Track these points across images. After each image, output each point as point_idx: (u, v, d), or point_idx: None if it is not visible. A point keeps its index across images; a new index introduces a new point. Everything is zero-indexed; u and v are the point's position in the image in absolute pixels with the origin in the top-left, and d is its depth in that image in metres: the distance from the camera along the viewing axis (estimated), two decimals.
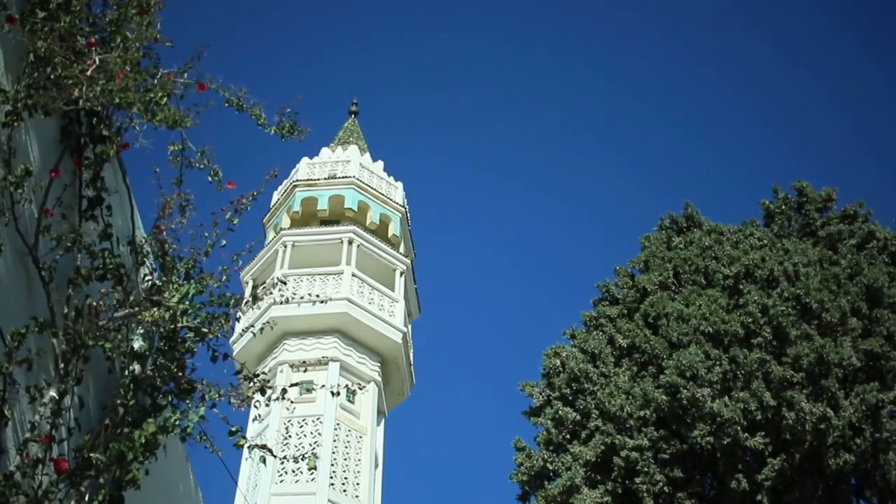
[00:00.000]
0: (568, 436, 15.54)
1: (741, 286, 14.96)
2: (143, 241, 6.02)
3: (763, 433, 13.63)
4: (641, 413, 14.46)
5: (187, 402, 5.93)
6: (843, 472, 13.42)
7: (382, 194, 25.55)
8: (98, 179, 5.65)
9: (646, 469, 14.19)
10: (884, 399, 13.09)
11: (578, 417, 15.33)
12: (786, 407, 13.37)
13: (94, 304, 5.24)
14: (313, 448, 18.97)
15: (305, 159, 26.20)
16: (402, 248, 25.05)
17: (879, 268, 14.46)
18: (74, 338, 4.85)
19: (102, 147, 5.54)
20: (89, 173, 5.61)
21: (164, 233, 6.03)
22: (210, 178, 5.94)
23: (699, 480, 14.58)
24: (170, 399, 5.89)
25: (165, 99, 5.42)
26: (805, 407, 13.04)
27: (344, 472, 19.26)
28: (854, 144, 69.24)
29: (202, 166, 5.91)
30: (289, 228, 23.89)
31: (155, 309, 5.65)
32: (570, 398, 15.74)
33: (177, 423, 5.65)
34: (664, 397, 14.20)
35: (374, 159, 27.37)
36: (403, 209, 26.07)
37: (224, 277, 6.25)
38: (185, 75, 5.74)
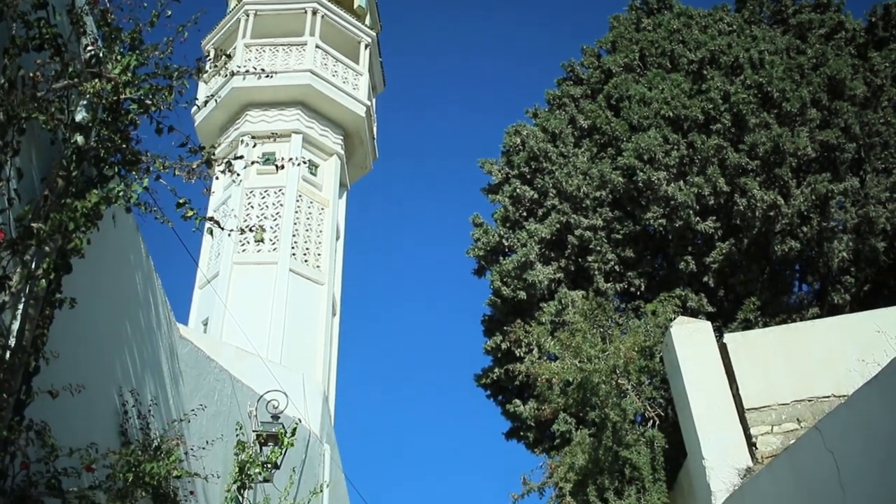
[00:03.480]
0: (525, 213, 15.79)
1: (705, 72, 14.84)
2: (82, 10, 5.82)
3: (714, 217, 13.90)
4: (597, 194, 14.65)
5: (134, 173, 5.94)
6: (788, 258, 13.78)
7: None
8: None
9: (599, 248, 14.52)
10: (834, 190, 13.28)
11: (536, 196, 15.53)
12: (738, 193, 13.58)
13: (32, 74, 5.12)
14: (275, 218, 19.20)
15: None
16: (367, 21, 24.42)
17: (844, 59, 14.33)
18: (8, 109, 4.77)
19: None
20: None
21: (106, 1, 5.84)
22: None
23: (649, 261, 14.95)
24: (116, 170, 5.88)
25: None
26: (757, 194, 13.24)
27: (305, 242, 19.55)
28: None
29: None
30: None
31: (96, 80, 5.55)
32: (529, 177, 15.89)
33: (120, 193, 5.67)
34: (621, 179, 14.36)
35: None
36: None
37: (168, 49, 6.12)
38: None
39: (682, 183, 13.92)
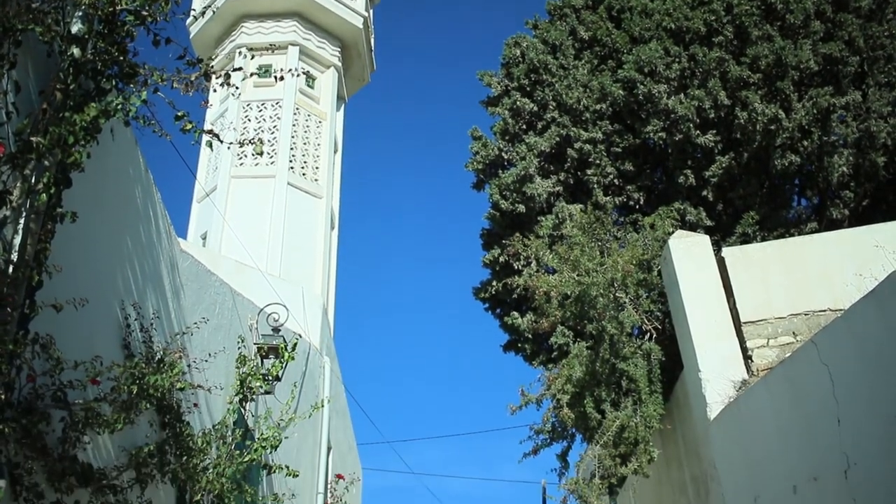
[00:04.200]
0: (524, 126, 15.68)
1: None
2: None
3: (714, 131, 13.81)
4: (597, 106, 14.54)
5: (132, 86, 5.89)
6: (788, 172, 13.72)
7: None
8: None
9: (598, 161, 14.46)
10: (836, 103, 13.15)
11: (535, 108, 15.39)
12: (739, 106, 13.46)
13: None
14: (272, 132, 19.08)
15: None
16: None
17: None
18: (3, 21, 4.70)
19: None
20: None
21: None
22: None
23: (649, 174, 14.89)
24: (114, 83, 5.83)
25: None
26: (758, 107, 13.12)
27: (303, 156, 19.48)
28: None
29: None
30: None
31: None
32: (528, 89, 15.73)
33: (118, 106, 5.63)
34: (621, 92, 14.23)
35: None
36: None
37: None
38: None
39: (682, 96, 13.80)
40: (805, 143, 13.39)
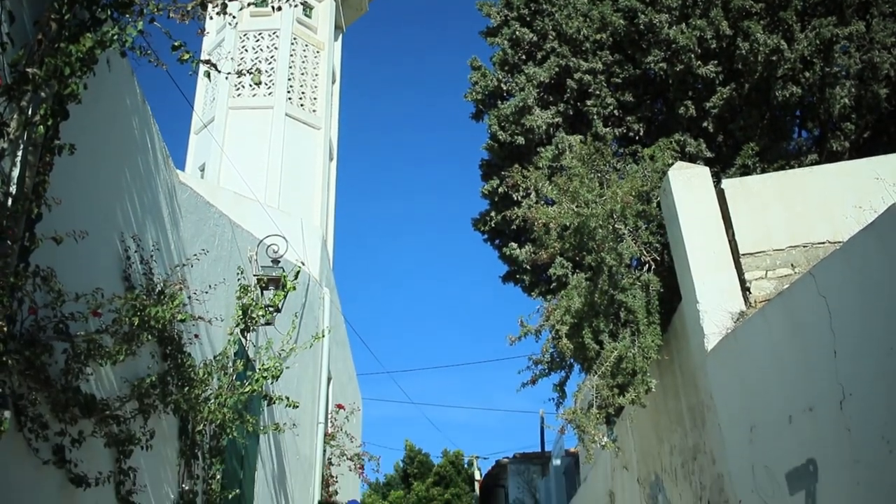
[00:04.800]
0: (523, 57, 15.52)
1: None
2: None
3: (716, 62, 13.67)
4: (598, 36, 14.37)
5: (127, 15, 5.82)
6: (789, 103, 13.61)
7: None
8: None
9: (598, 92, 14.34)
10: (839, 34, 12.99)
11: (535, 38, 15.23)
12: (741, 37, 13.31)
13: None
14: (270, 62, 18.90)
15: None
16: None
17: None
18: None
19: None
20: None
21: None
22: None
23: (649, 105, 14.78)
24: (109, 13, 5.76)
25: None
26: (760, 38, 12.97)
27: (301, 86, 19.32)
28: None
29: None
30: None
31: None
32: (528, 19, 15.55)
33: (114, 37, 5.57)
34: (622, 21, 14.07)
35: None
36: None
37: None
38: None
39: (683, 26, 13.64)
40: (807, 74, 13.27)
